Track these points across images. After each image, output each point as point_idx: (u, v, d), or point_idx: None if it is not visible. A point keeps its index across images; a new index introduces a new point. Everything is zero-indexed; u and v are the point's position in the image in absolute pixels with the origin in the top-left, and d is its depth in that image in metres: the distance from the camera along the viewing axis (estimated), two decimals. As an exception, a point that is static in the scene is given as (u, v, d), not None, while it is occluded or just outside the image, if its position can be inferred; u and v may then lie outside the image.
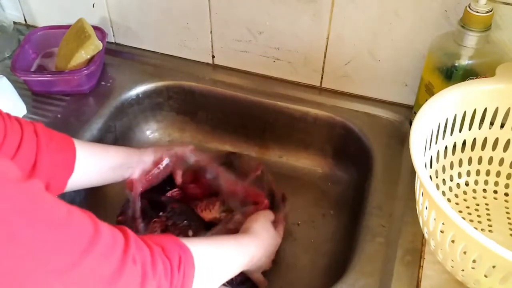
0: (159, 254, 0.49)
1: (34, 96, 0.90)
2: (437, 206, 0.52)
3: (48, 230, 0.38)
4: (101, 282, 0.41)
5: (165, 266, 0.49)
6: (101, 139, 0.87)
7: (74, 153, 0.65)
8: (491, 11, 0.68)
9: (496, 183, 0.74)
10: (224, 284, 0.61)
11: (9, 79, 0.86)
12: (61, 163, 0.63)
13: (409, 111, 0.86)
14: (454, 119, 0.68)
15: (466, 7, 0.69)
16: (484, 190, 0.74)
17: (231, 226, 0.73)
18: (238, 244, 0.65)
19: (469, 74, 0.71)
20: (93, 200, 0.85)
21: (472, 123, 0.70)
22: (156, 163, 0.78)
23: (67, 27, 0.94)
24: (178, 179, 0.81)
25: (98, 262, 0.41)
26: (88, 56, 0.89)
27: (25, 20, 1.07)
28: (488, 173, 0.74)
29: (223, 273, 0.60)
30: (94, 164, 0.69)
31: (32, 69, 0.94)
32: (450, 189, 0.73)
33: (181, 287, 0.51)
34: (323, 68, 0.89)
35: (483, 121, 0.70)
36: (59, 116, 0.87)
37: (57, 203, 0.40)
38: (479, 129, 0.71)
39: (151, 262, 0.47)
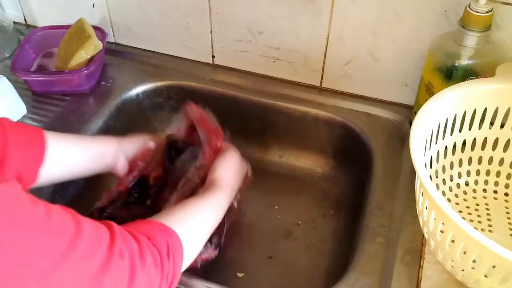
0: (147, 245, 0.49)
1: (34, 96, 0.91)
2: (437, 206, 0.52)
3: (25, 233, 0.37)
4: (86, 280, 0.41)
5: (154, 256, 0.49)
6: (101, 139, 0.87)
7: (43, 143, 0.63)
8: (491, 11, 0.68)
9: (496, 183, 0.74)
10: None
11: (9, 79, 0.86)
12: (31, 153, 0.62)
13: (409, 111, 0.86)
14: (454, 119, 0.68)
15: (466, 7, 0.69)
16: (484, 190, 0.74)
17: (196, 179, 0.74)
18: (214, 203, 0.65)
19: (469, 74, 0.71)
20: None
21: (472, 123, 0.70)
22: (142, 150, 0.77)
23: (67, 27, 0.94)
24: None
25: (81, 262, 0.40)
26: (88, 56, 0.89)
27: (25, 20, 1.07)
28: (488, 173, 0.74)
29: (206, 237, 0.62)
30: (68, 155, 0.68)
31: (32, 69, 0.94)
32: (450, 189, 0.73)
33: (172, 274, 0.51)
34: (323, 68, 0.89)
35: (483, 121, 0.70)
36: (59, 116, 0.87)
37: (35, 204, 0.39)
38: (479, 129, 0.71)
39: (139, 255, 0.47)
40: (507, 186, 0.73)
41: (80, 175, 0.72)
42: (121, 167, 0.75)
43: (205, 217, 0.62)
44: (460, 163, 0.74)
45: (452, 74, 0.72)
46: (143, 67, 0.97)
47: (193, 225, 0.59)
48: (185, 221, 0.58)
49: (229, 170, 0.71)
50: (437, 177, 0.71)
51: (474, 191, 0.74)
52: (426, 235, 0.62)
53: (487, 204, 0.72)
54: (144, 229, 0.51)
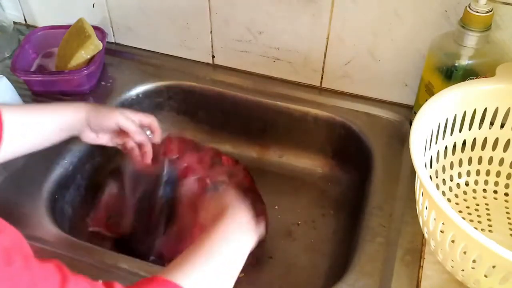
0: None
1: (34, 96, 0.90)
2: (437, 206, 0.52)
3: None
4: None
5: None
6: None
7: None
8: (491, 11, 0.68)
9: (496, 183, 0.74)
10: None
11: (9, 79, 0.86)
12: None
13: (409, 111, 0.86)
14: (454, 119, 0.68)
15: (466, 7, 0.69)
16: (484, 190, 0.74)
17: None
18: (229, 243, 0.58)
19: (469, 74, 0.71)
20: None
21: (472, 123, 0.70)
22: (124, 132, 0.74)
23: (67, 27, 0.94)
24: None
25: None
26: (88, 56, 0.89)
27: (25, 20, 1.07)
28: (488, 173, 0.74)
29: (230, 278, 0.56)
30: (28, 132, 0.66)
31: (32, 69, 0.94)
32: (450, 189, 0.73)
33: None
34: (323, 68, 0.89)
35: (483, 121, 0.70)
36: (59, 116, 0.86)
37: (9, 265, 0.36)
38: (479, 129, 0.71)
39: None
40: (507, 186, 0.73)
41: (44, 147, 0.70)
42: (89, 139, 0.73)
43: (222, 258, 0.56)
44: (460, 163, 0.74)
45: (452, 74, 0.72)
46: (143, 67, 0.97)
47: (207, 273, 0.53)
48: (199, 271, 0.52)
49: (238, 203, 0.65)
50: (437, 177, 0.71)
51: (474, 191, 0.74)
52: (426, 235, 0.62)
53: (487, 204, 0.72)
54: None
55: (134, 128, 0.73)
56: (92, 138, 0.73)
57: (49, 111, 0.69)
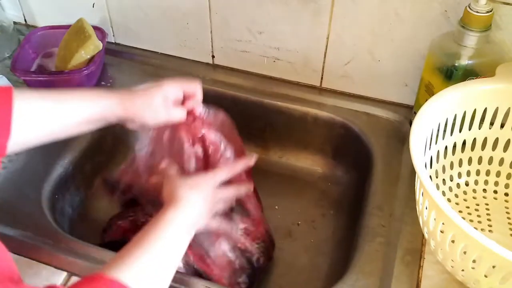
0: None
1: (34, 96, 0.90)
2: (437, 206, 0.52)
3: None
4: None
5: None
6: (101, 139, 0.87)
7: (9, 110, 0.54)
8: (491, 11, 0.68)
9: (496, 183, 0.74)
10: None
11: (9, 79, 0.86)
12: None
13: (409, 111, 0.86)
14: (454, 119, 0.68)
15: (466, 7, 0.69)
16: (484, 190, 0.74)
17: None
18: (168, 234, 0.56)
19: (469, 74, 0.71)
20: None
21: (472, 123, 0.70)
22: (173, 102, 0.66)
23: (67, 27, 0.94)
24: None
25: None
26: (88, 56, 0.89)
27: (25, 20, 1.07)
28: (488, 173, 0.74)
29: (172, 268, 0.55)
30: (44, 121, 0.58)
31: (32, 69, 0.94)
32: (450, 189, 0.73)
33: None
34: (323, 68, 0.89)
35: (483, 121, 0.70)
36: (59, 116, 0.86)
37: None
38: (479, 129, 0.71)
39: None
40: (507, 186, 0.73)
41: (65, 137, 0.62)
42: (135, 127, 0.66)
43: (166, 252, 0.55)
44: (460, 163, 0.74)
45: (452, 74, 0.72)
46: (143, 67, 0.97)
47: (153, 267, 0.52)
48: (142, 269, 0.51)
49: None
50: (437, 177, 0.71)
51: (474, 191, 0.74)
52: (426, 235, 0.62)
53: (487, 204, 0.72)
54: None
55: (198, 97, 0.68)
56: (134, 125, 0.66)
57: (73, 99, 0.61)
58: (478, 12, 0.68)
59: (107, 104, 0.62)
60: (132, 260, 0.51)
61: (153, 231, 0.56)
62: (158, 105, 0.65)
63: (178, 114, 0.68)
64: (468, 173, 0.74)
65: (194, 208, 0.60)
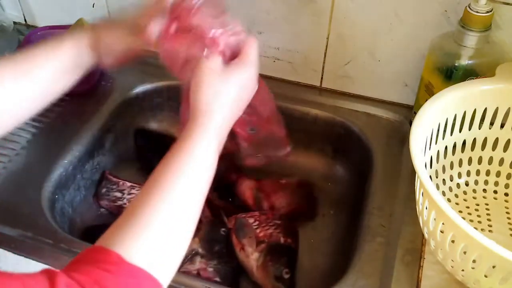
0: None
1: (34, 96, 0.90)
2: (437, 206, 0.52)
3: None
4: None
5: None
6: (101, 139, 0.87)
7: None
8: (491, 11, 0.68)
9: (496, 183, 0.74)
10: None
11: (9, 79, 0.86)
12: None
13: (409, 111, 0.86)
14: (454, 119, 0.68)
15: (466, 7, 0.69)
16: (484, 190, 0.74)
17: None
18: (186, 167, 0.45)
19: (469, 74, 0.71)
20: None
21: (472, 123, 0.70)
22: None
23: (67, 27, 0.94)
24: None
25: None
26: (88, 56, 0.89)
27: (25, 20, 1.07)
28: (488, 173, 0.74)
29: (187, 239, 0.45)
30: (17, 98, 0.52)
31: (32, 69, 0.94)
32: (450, 189, 0.73)
33: None
34: (323, 68, 0.89)
35: (483, 121, 0.70)
36: (59, 116, 0.86)
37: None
38: (479, 129, 0.71)
39: None
40: (507, 186, 0.73)
41: (51, 98, 0.57)
42: (109, 63, 0.59)
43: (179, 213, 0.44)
44: (460, 163, 0.74)
45: (452, 74, 0.72)
46: (143, 67, 0.97)
47: (163, 236, 0.42)
48: (154, 238, 0.42)
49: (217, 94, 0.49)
50: (437, 177, 0.71)
51: (474, 191, 0.74)
52: (426, 235, 0.62)
53: (487, 204, 0.72)
54: (96, 275, 0.38)
55: None
56: (109, 60, 0.59)
57: (39, 55, 0.54)
58: (478, 12, 0.68)
59: (74, 50, 0.56)
60: (130, 231, 0.41)
61: (171, 170, 0.44)
62: (124, 28, 0.58)
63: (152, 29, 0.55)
64: (468, 173, 0.74)
65: (225, 116, 0.49)
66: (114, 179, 0.84)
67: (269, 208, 0.82)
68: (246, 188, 0.85)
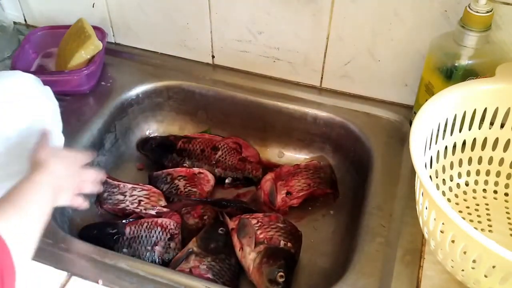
0: None
1: (34, 96, 0.90)
2: (437, 206, 0.52)
3: None
4: None
5: None
6: (101, 139, 0.87)
7: None
8: (491, 11, 0.68)
9: (496, 183, 0.74)
10: None
11: (9, 79, 0.86)
12: None
13: (409, 111, 0.86)
14: (454, 119, 0.68)
15: (466, 7, 0.69)
16: (484, 190, 0.74)
17: None
18: (35, 192, 0.59)
19: (469, 74, 0.71)
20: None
21: (472, 123, 0.70)
22: None
23: (67, 27, 0.94)
24: None
25: None
26: (88, 56, 0.89)
27: (25, 20, 1.07)
28: (488, 173, 0.74)
29: (37, 233, 0.58)
30: None
31: (32, 69, 0.94)
32: (450, 189, 0.73)
33: None
34: (323, 68, 0.89)
35: (483, 121, 0.70)
36: (59, 116, 0.86)
37: None
38: (479, 129, 0.71)
39: None
40: (507, 186, 0.73)
41: None
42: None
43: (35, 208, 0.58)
44: (460, 163, 0.74)
45: (452, 74, 0.72)
46: (143, 67, 0.97)
47: (22, 221, 0.55)
48: (12, 218, 0.54)
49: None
50: (437, 177, 0.71)
51: (474, 191, 0.74)
52: (426, 235, 0.62)
53: (487, 204, 0.72)
54: None
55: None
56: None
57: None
58: (478, 12, 0.68)
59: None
60: (7, 216, 0.54)
61: (23, 191, 0.58)
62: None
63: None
64: (468, 173, 0.74)
65: (55, 172, 0.62)
66: (114, 182, 0.84)
67: (286, 194, 0.83)
68: (265, 180, 0.86)
